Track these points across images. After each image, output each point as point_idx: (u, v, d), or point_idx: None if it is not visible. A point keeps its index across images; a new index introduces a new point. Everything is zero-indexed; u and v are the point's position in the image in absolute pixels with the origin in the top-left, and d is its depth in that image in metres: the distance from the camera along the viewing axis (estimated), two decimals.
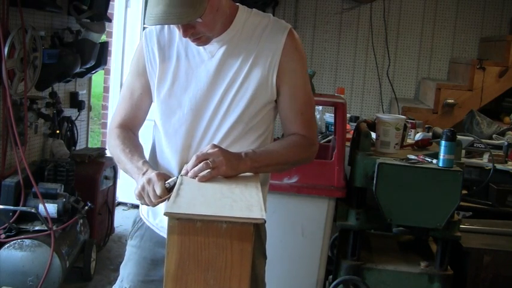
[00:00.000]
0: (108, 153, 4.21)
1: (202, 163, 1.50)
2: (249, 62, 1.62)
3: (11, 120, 3.10)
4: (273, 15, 1.70)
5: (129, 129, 1.77)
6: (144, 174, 1.57)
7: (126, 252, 1.85)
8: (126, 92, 1.78)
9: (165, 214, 1.22)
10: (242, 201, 1.32)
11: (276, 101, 1.70)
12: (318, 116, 4.09)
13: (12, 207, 3.04)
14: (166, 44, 1.68)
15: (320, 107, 4.10)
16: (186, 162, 1.57)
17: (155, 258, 1.76)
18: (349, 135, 3.12)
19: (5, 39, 2.97)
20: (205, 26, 1.55)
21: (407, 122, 3.04)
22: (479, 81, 4.68)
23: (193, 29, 1.54)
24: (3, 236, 3.01)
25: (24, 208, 3.04)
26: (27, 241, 3.01)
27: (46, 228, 3.04)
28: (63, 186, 3.25)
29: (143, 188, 1.54)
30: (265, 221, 1.88)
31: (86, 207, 3.32)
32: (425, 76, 5.47)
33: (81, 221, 3.44)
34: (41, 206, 3.04)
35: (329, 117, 3.87)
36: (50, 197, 3.12)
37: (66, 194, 3.22)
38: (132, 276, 1.79)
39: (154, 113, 1.75)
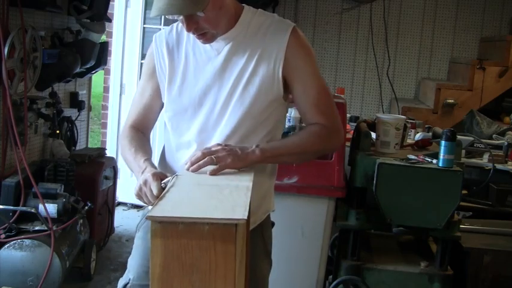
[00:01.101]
0: (107, 153, 4.23)
1: (206, 158, 1.54)
2: (254, 58, 1.66)
3: (11, 120, 3.10)
4: None
5: (140, 130, 1.81)
6: (143, 172, 1.61)
7: (134, 244, 1.89)
8: (138, 94, 1.83)
9: (147, 218, 1.22)
10: (229, 201, 1.32)
11: (283, 97, 1.73)
12: None
13: (12, 207, 3.04)
14: (175, 45, 1.74)
15: None
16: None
17: None
18: (349, 135, 3.12)
19: (5, 39, 2.97)
20: (208, 22, 1.59)
21: (407, 122, 3.04)
22: (479, 81, 4.68)
23: (197, 24, 1.58)
24: (3, 236, 3.01)
25: (24, 208, 3.04)
26: (27, 241, 3.01)
27: (46, 228, 3.03)
28: (63, 186, 3.25)
29: (140, 189, 1.57)
30: (273, 224, 1.89)
31: (86, 207, 3.32)
32: (425, 76, 5.47)
33: (81, 221, 3.44)
34: (41, 206, 3.04)
35: None
36: (50, 197, 3.12)
37: (66, 194, 3.22)
38: (137, 267, 1.82)
39: (164, 112, 1.78)
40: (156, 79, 1.77)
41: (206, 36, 1.63)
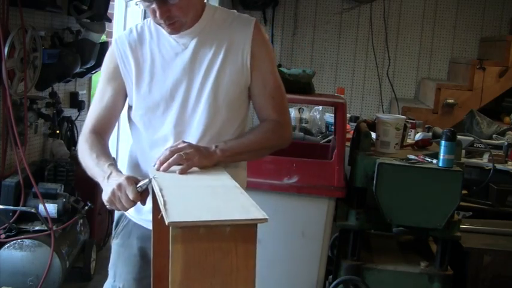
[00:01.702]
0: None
1: (175, 155, 1.53)
2: (222, 50, 1.70)
3: (11, 120, 3.10)
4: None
5: (99, 134, 1.78)
6: (108, 177, 1.57)
7: (113, 251, 1.86)
8: (97, 96, 1.81)
9: (169, 224, 1.19)
10: (233, 201, 1.31)
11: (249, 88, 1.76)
12: (318, 116, 4.09)
13: (12, 207, 3.03)
14: (138, 45, 1.74)
15: (320, 107, 4.10)
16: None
17: (145, 255, 1.78)
18: (349, 135, 3.12)
19: (5, 39, 2.97)
20: (180, 10, 1.61)
21: (407, 122, 3.04)
22: (479, 81, 4.69)
23: (169, 12, 1.60)
24: (3, 236, 3.01)
25: (24, 208, 3.03)
26: (27, 241, 3.01)
27: (46, 228, 3.03)
28: (63, 186, 3.25)
29: (114, 195, 1.52)
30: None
31: (86, 207, 3.32)
32: (425, 76, 5.47)
33: (81, 221, 3.44)
34: (41, 206, 3.04)
35: (329, 117, 3.87)
36: (50, 197, 3.12)
37: (66, 194, 3.22)
38: (125, 275, 1.81)
39: (134, 112, 1.75)
40: (117, 80, 1.75)
41: (175, 25, 1.64)
